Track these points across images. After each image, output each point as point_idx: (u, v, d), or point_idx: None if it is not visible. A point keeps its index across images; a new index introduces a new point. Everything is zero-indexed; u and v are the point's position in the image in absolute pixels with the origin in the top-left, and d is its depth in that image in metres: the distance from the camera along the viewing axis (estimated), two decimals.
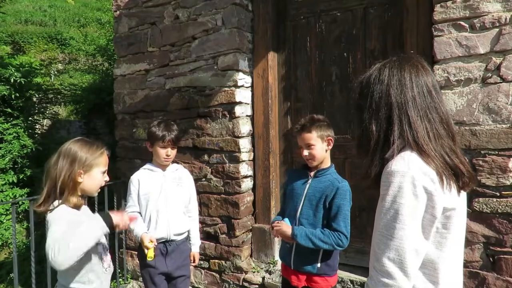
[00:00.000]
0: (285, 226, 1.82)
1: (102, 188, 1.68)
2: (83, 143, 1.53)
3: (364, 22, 2.64)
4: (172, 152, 2.21)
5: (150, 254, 2.01)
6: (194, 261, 2.34)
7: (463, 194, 1.00)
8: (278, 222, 1.86)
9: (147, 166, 2.27)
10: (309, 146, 1.81)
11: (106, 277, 1.60)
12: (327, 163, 1.88)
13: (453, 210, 0.94)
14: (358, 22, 2.66)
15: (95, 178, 1.54)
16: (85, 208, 1.62)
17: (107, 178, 1.62)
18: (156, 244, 2.05)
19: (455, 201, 0.94)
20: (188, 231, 2.31)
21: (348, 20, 2.71)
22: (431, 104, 0.98)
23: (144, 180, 2.21)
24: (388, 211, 0.90)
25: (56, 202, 1.47)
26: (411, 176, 0.89)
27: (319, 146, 1.80)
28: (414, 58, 1.04)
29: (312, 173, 1.87)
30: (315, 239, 1.73)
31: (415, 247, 0.88)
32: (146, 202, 2.18)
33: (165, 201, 2.19)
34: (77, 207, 1.52)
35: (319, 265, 1.79)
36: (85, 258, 1.45)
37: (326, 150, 1.84)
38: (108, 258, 1.64)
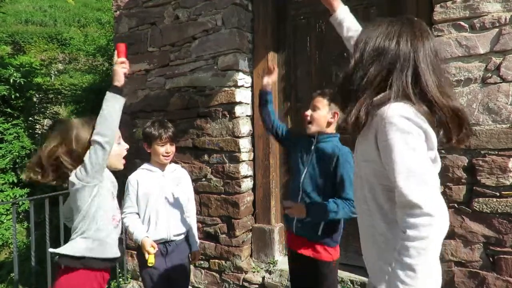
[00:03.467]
0: (298, 209, 1.77)
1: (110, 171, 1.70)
2: (79, 121, 1.58)
3: (364, 22, 2.64)
4: (171, 149, 2.20)
5: (151, 260, 2.00)
6: (195, 259, 2.35)
7: None
8: (290, 204, 1.82)
9: (145, 166, 2.24)
10: (314, 108, 1.81)
11: (114, 233, 1.64)
12: (332, 131, 1.85)
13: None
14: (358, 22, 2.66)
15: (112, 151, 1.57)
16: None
17: (126, 146, 1.67)
18: (157, 249, 2.05)
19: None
20: (187, 231, 2.31)
21: None
22: (439, 65, 1.02)
23: (143, 180, 2.18)
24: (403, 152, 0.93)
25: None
26: (406, 117, 0.93)
27: (323, 112, 1.80)
28: (423, 23, 1.07)
29: (315, 139, 1.85)
30: (330, 214, 1.70)
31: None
32: (146, 203, 2.16)
33: (165, 201, 2.18)
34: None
35: (320, 232, 1.79)
36: (103, 207, 1.55)
37: (329, 124, 1.82)
38: (118, 217, 1.69)
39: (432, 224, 0.86)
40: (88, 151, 1.49)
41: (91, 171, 1.47)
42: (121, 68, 1.57)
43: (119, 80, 1.56)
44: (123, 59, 1.60)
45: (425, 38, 1.02)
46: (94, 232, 1.54)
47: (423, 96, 0.97)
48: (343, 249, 2.05)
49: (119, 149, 1.64)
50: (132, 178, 2.20)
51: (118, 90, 1.54)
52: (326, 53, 2.80)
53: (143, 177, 2.19)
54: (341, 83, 1.09)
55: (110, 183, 1.63)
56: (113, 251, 1.61)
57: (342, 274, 2.53)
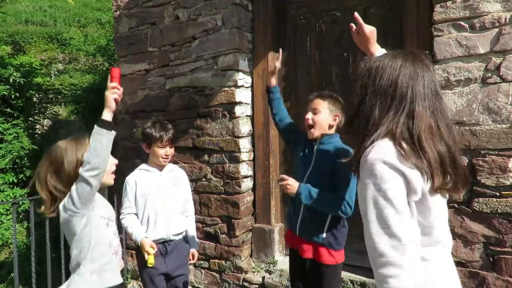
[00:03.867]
0: (292, 181, 1.75)
1: (102, 188, 1.68)
2: (67, 143, 1.55)
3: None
4: (171, 151, 2.21)
5: (151, 260, 2.00)
6: (193, 259, 2.35)
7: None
8: (285, 177, 1.78)
9: (143, 166, 2.25)
10: (315, 112, 1.77)
11: (114, 260, 1.61)
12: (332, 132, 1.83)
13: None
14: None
15: None
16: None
17: (115, 161, 1.62)
18: (156, 249, 2.05)
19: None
20: (186, 230, 2.32)
21: (348, 20, 2.67)
22: (438, 105, 1.00)
23: (141, 180, 2.18)
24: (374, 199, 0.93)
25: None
26: (384, 161, 0.92)
27: (324, 115, 1.76)
28: (425, 56, 1.05)
29: (317, 141, 1.82)
30: (318, 200, 1.69)
31: None
32: (144, 203, 2.16)
33: (163, 201, 2.18)
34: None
35: (324, 235, 1.76)
36: (95, 237, 1.50)
37: (331, 126, 1.79)
38: (116, 243, 1.65)
39: (399, 275, 0.86)
40: (75, 183, 1.44)
41: (78, 202, 1.44)
42: (112, 94, 1.50)
43: (110, 106, 1.49)
44: (115, 84, 1.52)
45: (425, 77, 0.99)
46: (90, 264, 1.50)
47: (413, 138, 0.95)
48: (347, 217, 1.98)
49: (108, 166, 1.59)
50: (130, 179, 2.20)
51: (105, 125, 1.45)
52: (326, 53, 2.80)
53: (141, 177, 2.20)
54: (349, 122, 1.09)
55: (103, 209, 1.58)
56: (114, 280, 1.57)
57: (342, 274, 2.53)
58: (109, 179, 1.64)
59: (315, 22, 2.84)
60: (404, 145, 0.93)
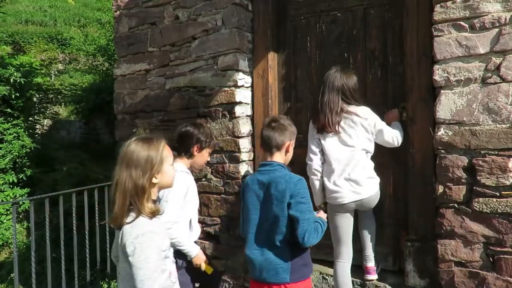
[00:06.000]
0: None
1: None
2: (143, 143, 1.44)
3: (364, 22, 2.64)
4: None
5: (209, 268, 2.19)
6: None
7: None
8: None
9: (183, 168, 2.19)
10: None
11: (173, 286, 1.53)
12: None
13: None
14: (358, 22, 2.66)
15: (167, 172, 1.49)
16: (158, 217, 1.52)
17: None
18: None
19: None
20: None
21: (348, 20, 2.70)
22: None
23: (190, 185, 2.19)
24: None
25: (133, 214, 1.40)
26: None
27: None
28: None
29: None
30: None
31: None
32: (189, 207, 2.16)
33: (196, 204, 2.28)
34: (153, 214, 1.44)
35: None
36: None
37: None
38: (175, 271, 1.57)
39: None
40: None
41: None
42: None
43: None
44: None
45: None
46: None
47: None
48: None
49: (173, 171, 1.55)
50: (184, 184, 2.11)
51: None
52: (326, 53, 2.80)
53: (189, 181, 2.18)
54: None
55: (164, 241, 1.46)
56: None
57: None
58: (172, 184, 1.58)
59: (315, 22, 2.84)
60: None
